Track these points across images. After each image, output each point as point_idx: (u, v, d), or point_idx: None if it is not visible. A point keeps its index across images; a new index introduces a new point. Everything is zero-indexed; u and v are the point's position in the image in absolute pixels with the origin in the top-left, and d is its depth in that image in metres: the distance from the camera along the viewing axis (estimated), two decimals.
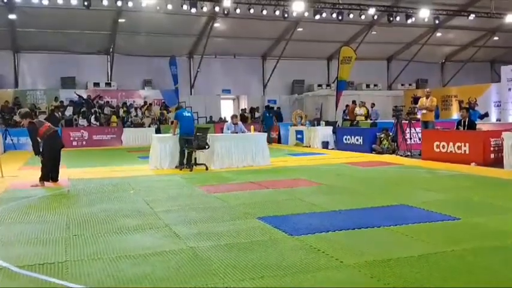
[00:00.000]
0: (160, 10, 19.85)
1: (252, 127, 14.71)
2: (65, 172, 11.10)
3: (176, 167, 12.22)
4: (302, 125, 20.71)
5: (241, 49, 27.34)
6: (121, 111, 24.39)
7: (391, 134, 15.49)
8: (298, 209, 6.95)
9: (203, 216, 6.56)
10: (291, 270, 4.27)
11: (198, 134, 11.91)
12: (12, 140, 19.70)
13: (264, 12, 20.44)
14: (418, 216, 6.28)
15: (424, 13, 22.02)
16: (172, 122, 15.25)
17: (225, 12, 19.96)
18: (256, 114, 26.92)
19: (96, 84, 25.41)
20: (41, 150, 9.81)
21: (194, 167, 12.00)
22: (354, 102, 23.41)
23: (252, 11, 20.13)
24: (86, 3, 17.88)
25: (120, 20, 22.54)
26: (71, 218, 6.65)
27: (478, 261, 4.48)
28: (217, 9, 20.41)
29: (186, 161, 12.22)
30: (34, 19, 21.22)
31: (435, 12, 22.63)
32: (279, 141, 22.35)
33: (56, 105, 23.18)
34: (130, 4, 18.94)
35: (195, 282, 4.04)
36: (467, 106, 18.45)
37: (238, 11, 20.14)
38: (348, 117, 23.19)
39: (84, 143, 21.88)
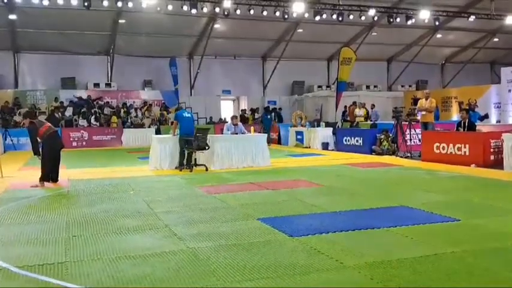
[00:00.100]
0: (161, 11, 19.85)
1: (252, 128, 14.72)
2: (65, 172, 11.10)
3: (176, 168, 12.22)
4: (302, 126, 20.71)
5: (242, 50, 27.35)
6: (121, 112, 24.39)
7: (391, 135, 15.48)
8: (298, 210, 6.95)
9: (203, 217, 6.56)
10: (290, 271, 4.27)
11: (198, 134, 11.91)
12: (12, 140, 19.70)
13: (264, 13, 20.45)
14: (418, 218, 6.28)
15: (424, 14, 22.02)
16: (172, 123, 15.25)
17: (225, 13, 19.98)
18: (256, 115, 26.92)
19: (96, 85, 25.42)
20: (40, 150, 9.82)
21: (194, 167, 12.00)
22: (354, 103, 23.42)
23: (252, 12, 20.13)
24: (86, 4, 17.89)
25: (120, 21, 22.56)
26: (70, 218, 6.65)
27: (478, 262, 4.47)
28: (217, 10, 20.41)
29: (186, 162, 12.21)
30: (34, 19, 21.23)
31: (435, 14, 22.64)
32: (279, 142, 22.35)
33: (56, 105, 23.19)
34: (130, 5, 18.94)
35: (194, 283, 4.04)
36: (467, 107, 18.50)
37: (238, 12, 20.14)
38: (348, 119, 23.19)
39: (84, 143, 21.89)
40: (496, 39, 28.71)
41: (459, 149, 12.38)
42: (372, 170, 11.80)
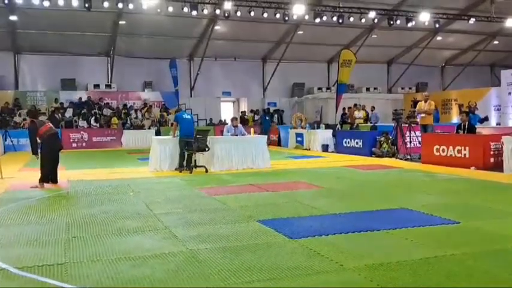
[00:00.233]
0: (161, 12, 19.86)
1: (252, 130, 14.72)
2: (65, 174, 11.10)
3: (176, 169, 12.21)
4: (302, 127, 20.72)
5: (242, 52, 27.36)
6: (122, 113, 24.41)
7: (391, 137, 15.49)
8: (298, 212, 6.95)
9: (203, 218, 6.56)
10: (290, 273, 4.27)
11: (198, 136, 11.91)
12: (12, 141, 19.69)
13: (265, 15, 20.47)
14: (418, 220, 6.27)
15: (425, 17, 22.05)
16: (172, 124, 15.26)
17: (226, 14, 20.00)
18: (256, 117, 26.94)
19: (96, 86, 25.43)
20: (39, 150, 9.82)
21: (194, 169, 11.99)
22: (355, 105, 23.45)
23: (252, 13, 20.14)
24: (86, 5, 17.90)
25: (120, 22, 22.57)
26: (70, 219, 6.64)
27: (478, 265, 4.47)
28: (217, 11, 20.43)
29: (185, 163, 12.21)
30: (35, 20, 21.26)
31: (435, 16, 22.66)
32: (279, 143, 22.35)
33: (56, 106, 23.19)
34: (131, 6, 18.97)
35: (194, 285, 4.04)
36: (467, 110, 18.50)
37: (238, 13, 20.15)
38: (348, 120, 23.19)
39: (84, 144, 21.89)
40: (496, 42, 28.74)
41: (459, 151, 12.38)
42: (372, 172, 11.80)
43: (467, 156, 12.15)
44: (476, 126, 14.28)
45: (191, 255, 4.83)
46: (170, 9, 19.37)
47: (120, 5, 18.64)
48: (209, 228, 5.96)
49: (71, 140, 21.60)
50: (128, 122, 23.89)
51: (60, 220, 6.61)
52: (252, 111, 27.45)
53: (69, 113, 23.26)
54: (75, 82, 25.27)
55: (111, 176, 11.37)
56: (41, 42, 23.57)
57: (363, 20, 22.03)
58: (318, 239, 5.37)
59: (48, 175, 9.84)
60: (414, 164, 13.26)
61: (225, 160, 12.52)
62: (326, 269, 4.39)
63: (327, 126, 20.26)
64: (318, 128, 19.91)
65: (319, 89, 29.03)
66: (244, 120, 25.05)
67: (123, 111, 24.61)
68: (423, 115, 14.94)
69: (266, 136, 14.95)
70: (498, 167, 11.37)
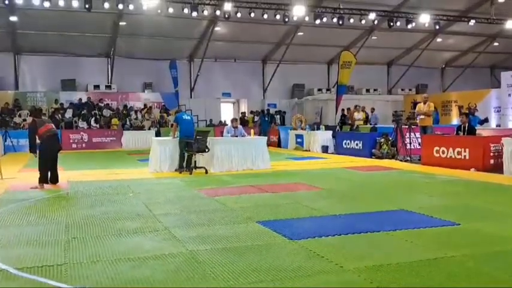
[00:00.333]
0: (161, 13, 19.86)
1: (252, 131, 14.72)
2: (65, 174, 11.09)
3: (176, 170, 12.21)
4: (302, 129, 20.72)
5: (242, 53, 27.36)
6: (126, 114, 24.46)
7: (390, 138, 15.49)
8: (298, 213, 6.95)
9: (202, 219, 6.55)
10: (290, 274, 4.27)
11: (198, 137, 11.90)
12: (12, 142, 19.66)
13: (265, 16, 20.49)
14: (417, 221, 6.27)
15: (425, 18, 22.07)
16: (172, 125, 15.27)
17: (226, 16, 20.01)
18: (256, 118, 26.94)
19: (97, 87, 25.42)
20: (38, 150, 9.84)
21: (194, 170, 11.99)
22: (356, 107, 23.47)
23: (252, 15, 20.14)
24: (87, 6, 17.91)
25: (121, 23, 22.57)
26: (70, 220, 6.64)
27: (478, 266, 4.47)
28: (218, 13, 20.44)
29: (185, 164, 12.21)
30: (35, 21, 21.25)
31: (435, 18, 22.68)
32: (278, 145, 22.35)
33: (56, 107, 23.18)
34: (131, 7, 18.98)
35: (194, 286, 4.04)
36: (467, 111, 18.48)
37: (239, 14, 20.16)
38: (349, 122, 23.18)
39: (83, 145, 21.88)
40: (496, 44, 28.74)
41: (459, 153, 12.38)
42: (372, 174, 11.80)
43: (467, 157, 12.15)
44: (476, 127, 14.28)
45: (191, 256, 4.83)
46: (170, 10, 19.39)
47: (120, 6, 18.63)
48: (209, 229, 5.96)
49: (71, 141, 21.59)
50: (127, 122, 23.89)
51: (60, 221, 6.60)
52: (252, 112, 27.47)
53: (69, 113, 23.25)
54: (75, 83, 25.25)
55: (111, 177, 11.37)
56: (41, 42, 23.57)
57: (363, 22, 22.04)
58: (318, 240, 5.37)
59: (47, 175, 9.84)
60: (414, 166, 13.26)
61: (225, 161, 12.52)
62: (326, 270, 4.39)
63: (327, 128, 20.26)
64: (318, 129, 19.91)
65: (319, 90, 29.03)
66: (244, 122, 25.06)
67: (124, 112, 24.62)
68: (422, 117, 14.95)
69: (266, 137, 14.96)
70: (498, 168, 11.37)
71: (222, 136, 13.70)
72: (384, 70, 31.43)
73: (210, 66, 27.17)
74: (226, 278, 4.18)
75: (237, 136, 13.29)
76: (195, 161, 12.19)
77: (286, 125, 25.31)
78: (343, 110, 23.92)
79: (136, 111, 24.93)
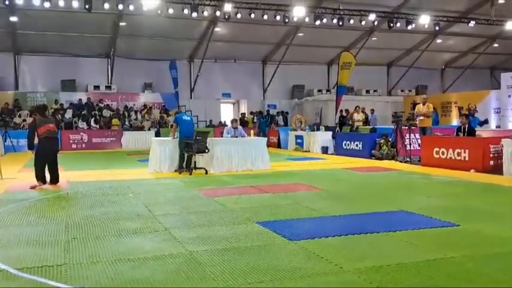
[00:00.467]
0: (161, 14, 19.87)
1: (252, 131, 14.73)
2: (65, 175, 11.09)
3: (176, 171, 12.21)
4: (302, 129, 20.73)
5: (242, 53, 27.38)
6: (126, 114, 24.47)
7: (390, 139, 15.50)
8: (298, 213, 6.95)
9: (202, 220, 6.55)
10: (289, 275, 4.27)
11: (197, 137, 11.90)
12: (12, 142, 19.67)
13: (265, 17, 20.51)
14: (417, 222, 6.28)
15: (425, 19, 22.08)
16: (172, 126, 15.28)
17: (226, 16, 20.01)
18: (255, 119, 26.96)
19: (96, 87, 25.45)
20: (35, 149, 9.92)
21: (194, 170, 11.99)
22: (357, 108, 23.49)
23: (252, 15, 20.16)
24: (87, 6, 17.91)
25: (121, 23, 22.58)
26: (70, 220, 6.64)
27: (478, 267, 4.48)
28: (218, 13, 20.46)
29: (185, 165, 12.21)
30: (35, 21, 21.27)
31: (435, 19, 22.69)
32: (278, 145, 22.36)
33: (56, 107, 23.18)
34: (131, 8, 18.98)
35: (193, 286, 4.04)
36: (466, 113, 18.50)
37: (239, 15, 20.17)
38: (349, 122, 23.17)
39: (83, 145, 21.88)
40: (496, 45, 28.77)
41: (459, 154, 12.38)
42: (372, 175, 11.80)
43: (467, 158, 12.16)
44: (476, 129, 14.29)
45: (191, 257, 4.83)
46: (170, 10, 19.40)
47: (120, 7, 18.64)
48: (209, 230, 5.96)
49: (71, 141, 21.60)
50: (126, 123, 23.89)
51: (60, 221, 6.60)
52: (251, 113, 27.48)
53: (68, 114, 23.26)
54: (75, 83, 25.28)
55: (110, 177, 11.36)
56: (41, 43, 23.59)
57: (363, 23, 22.05)
58: (318, 241, 5.37)
59: (42, 174, 9.84)
60: (414, 167, 13.26)
61: (224, 162, 12.52)
62: (325, 271, 4.39)
63: (327, 128, 20.26)
64: (318, 130, 19.92)
65: (319, 91, 29.06)
66: (244, 122, 25.07)
67: (124, 112, 24.63)
68: (422, 118, 14.97)
69: (266, 138, 14.96)
70: (498, 169, 11.37)
71: (222, 137, 13.71)
72: (383, 71, 31.46)
73: (210, 67, 27.19)
74: (226, 279, 4.18)
75: (237, 137, 13.29)
76: (195, 162, 12.19)
77: (290, 125, 25.33)
78: (341, 111, 23.92)
79: (136, 112, 24.94)
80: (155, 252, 5.01)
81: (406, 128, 15.07)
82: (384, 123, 21.91)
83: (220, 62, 27.70)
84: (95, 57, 25.65)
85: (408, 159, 14.33)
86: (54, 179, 10.03)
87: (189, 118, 13.16)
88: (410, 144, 14.81)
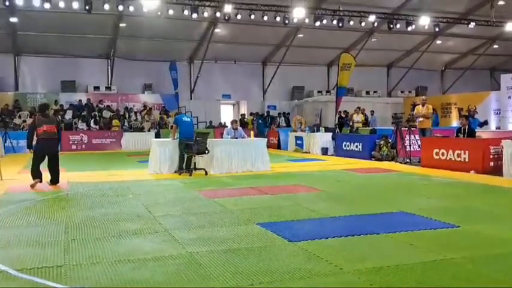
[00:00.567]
0: (162, 15, 19.88)
1: (252, 132, 14.73)
2: (65, 175, 11.08)
3: (175, 172, 12.21)
4: (302, 131, 20.72)
5: (242, 54, 27.40)
6: (126, 115, 24.48)
7: (390, 141, 15.50)
8: (298, 215, 6.95)
9: (202, 221, 6.55)
10: (289, 276, 4.27)
11: (197, 138, 11.91)
12: (11, 143, 19.66)
13: (265, 18, 20.52)
14: (417, 224, 6.28)
15: (424, 21, 22.10)
16: (172, 127, 15.28)
17: (226, 17, 20.02)
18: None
19: (96, 88, 25.48)
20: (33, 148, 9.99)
21: (193, 171, 11.99)
22: (356, 109, 23.49)
23: (253, 16, 20.18)
24: (87, 8, 17.95)
25: (121, 25, 22.59)
26: (69, 221, 6.64)
27: (478, 269, 4.48)
28: (218, 14, 20.46)
29: (185, 166, 12.21)
30: (35, 22, 21.28)
31: (435, 20, 22.72)
32: (278, 146, 22.35)
33: (56, 108, 23.18)
34: (131, 9, 19.00)
35: (193, 287, 4.04)
36: (466, 114, 18.51)
37: (239, 16, 20.19)
38: (350, 123, 23.15)
39: (83, 146, 21.89)
40: (495, 46, 28.79)
41: (459, 155, 12.38)
42: (371, 176, 11.80)
43: (466, 160, 12.16)
44: (476, 130, 14.30)
45: (191, 258, 4.83)
46: (170, 12, 19.41)
47: (120, 8, 18.69)
48: (209, 231, 5.96)
49: (71, 142, 21.60)
50: (126, 124, 23.89)
51: (60, 222, 6.60)
52: (251, 114, 27.49)
53: (68, 115, 23.27)
54: (75, 84, 25.31)
55: (110, 178, 11.37)
56: (41, 44, 23.61)
57: (363, 24, 22.06)
58: (318, 242, 5.37)
59: (37, 173, 9.86)
60: (414, 168, 13.26)
61: (224, 163, 12.51)
62: (325, 272, 4.39)
63: (327, 130, 20.25)
64: (318, 131, 19.91)
65: (319, 92, 29.08)
66: (243, 123, 25.07)
67: (125, 113, 24.63)
68: (421, 119, 14.98)
69: (266, 139, 14.96)
70: (498, 171, 11.37)
71: (222, 138, 13.70)
72: (383, 72, 31.47)
73: (210, 68, 27.21)
74: (226, 280, 4.18)
75: (236, 138, 13.29)
76: (195, 163, 12.19)
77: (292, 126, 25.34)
78: (340, 112, 23.91)
79: (136, 113, 24.95)
80: (155, 253, 5.01)
81: (406, 129, 15.08)
82: (384, 125, 21.92)
83: (220, 63, 27.72)
84: (95, 58, 25.66)
85: (408, 160, 14.34)
86: (55, 180, 10.04)
87: (189, 119, 13.17)
88: (410, 146, 14.82)
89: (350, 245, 5.29)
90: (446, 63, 31.91)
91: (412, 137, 15.05)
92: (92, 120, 23.22)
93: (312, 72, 29.49)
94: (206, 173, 12.03)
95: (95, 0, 18.06)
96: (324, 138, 19.02)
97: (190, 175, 11.81)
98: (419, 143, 14.94)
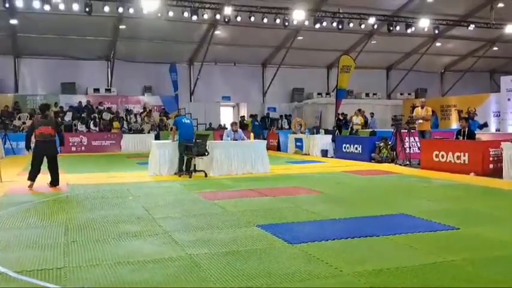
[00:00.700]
0: (161, 17, 19.89)
1: (251, 134, 14.73)
2: (64, 177, 11.08)
3: (175, 174, 12.21)
4: (301, 133, 20.73)
5: (242, 56, 27.42)
6: (127, 117, 24.48)
7: (390, 143, 15.50)
8: (298, 217, 6.94)
9: (202, 223, 6.55)
10: (289, 278, 4.27)
11: (197, 140, 11.90)
12: (11, 144, 19.65)
13: (265, 20, 20.52)
14: (417, 226, 6.27)
15: (424, 23, 22.13)
16: (171, 129, 15.28)
17: (226, 19, 20.05)
18: (255, 122, 26.96)
19: (96, 90, 25.48)
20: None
21: (193, 173, 11.98)
22: (356, 111, 23.46)
23: (252, 19, 20.20)
24: (87, 9, 17.96)
25: (121, 27, 22.61)
26: (69, 223, 6.63)
27: (478, 271, 4.47)
28: (218, 16, 20.47)
29: (185, 168, 12.21)
30: (35, 24, 21.28)
31: (435, 22, 22.75)
32: (278, 148, 22.36)
33: (56, 110, 23.17)
34: (131, 11, 19.00)
35: None
36: (466, 116, 18.52)
37: (239, 18, 20.21)
38: (350, 125, 23.14)
39: (83, 148, 21.88)
40: (495, 48, 28.82)
41: (458, 157, 12.38)
42: (371, 178, 11.80)
43: (466, 162, 12.16)
44: (475, 132, 14.30)
45: (190, 260, 4.83)
46: (170, 13, 19.42)
47: (120, 10, 18.70)
48: (208, 233, 5.96)
49: (70, 144, 21.57)
50: (125, 126, 23.88)
51: (60, 224, 6.60)
52: (251, 116, 27.49)
53: (68, 117, 23.27)
54: (75, 86, 25.31)
55: (110, 180, 11.36)
56: (41, 45, 23.62)
57: (363, 26, 22.08)
58: (318, 244, 5.37)
59: (33, 175, 9.90)
60: (413, 170, 13.26)
61: (224, 165, 12.51)
62: (325, 274, 4.39)
63: (327, 132, 20.26)
64: (318, 133, 19.93)
65: (319, 94, 29.09)
66: (243, 125, 25.07)
67: (127, 116, 24.64)
68: (421, 121, 14.98)
69: (266, 141, 14.96)
70: (497, 173, 11.37)
71: (222, 140, 13.70)
72: (383, 74, 31.50)
73: (209, 70, 27.22)
74: (226, 282, 4.18)
75: (236, 140, 13.29)
76: (195, 165, 12.18)
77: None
78: (338, 114, 23.90)
79: (135, 115, 24.95)
80: (155, 255, 5.01)
81: (406, 131, 15.09)
82: (384, 127, 21.93)
83: (220, 65, 27.73)
84: (95, 60, 25.68)
85: (408, 162, 14.34)
86: (55, 181, 10.05)
87: (188, 121, 13.18)
88: (410, 148, 14.82)
89: (350, 247, 5.29)
90: (446, 66, 31.93)
91: (411, 139, 15.06)
92: (92, 122, 23.22)
93: (312, 74, 29.51)
94: (206, 175, 12.02)
95: (95, 2, 18.09)
96: (323, 140, 19.02)
97: (190, 177, 11.81)
98: (418, 145, 14.94)
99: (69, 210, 7.64)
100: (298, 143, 20.36)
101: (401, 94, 30.42)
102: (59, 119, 22.39)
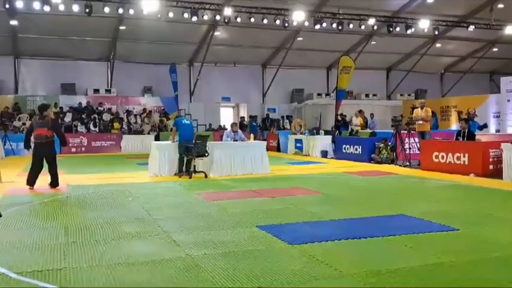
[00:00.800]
0: (162, 18, 19.91)
1: (251, 135, 14.73)
2: (64, 178, 11.09)
3: (175, 175, 12.21)
4: (301, 133, 20.74)
5: (242, 57, 27.44)
6: (127, 118, 24.48)
7: (390, 143, 15.50)
8: (298, 218, 6.94)
9: (202, 224, 6.55)
10: (289, 279, 4.26)
11: (197, 141, 11.91)
12: (11, 145, 19.65)
13: (265, 21, 20.53)
14: (417, 227, 6.27)
15: (424, 24, 22.14)
16: (171, 129, 15.28)
17: (226, 20, 20.06)
18: (253, 123, 26.96)
19: (96, 91, 25.49)
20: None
21: (193, 174, 11.98)
22: (356, 112, 23.49)
23: (252, 19, 20.21)
24: (87, 10, 17.97)
25: (121, 27, 22.63)
26: (69, 224, 6.63)
27: (477, 272, 4.47)
28: (218, 17, 20.49)
29: (185, 169, 12.21)
30: (35, 25, 21.29)
31: (435, 23, 22.76)
32: (278, 149, 22.37)
33: (56, 111, 23.16)
34: (131, 12, 19.01)
35: None
36: (466, 117, 18.52)
37: (239, 19, 20.22)
38: (351, 126, 23.19)
39: (83, 149, 21.89)
40: (495, 49, 28.84)
41: (458, 158, 12.38)
42: (371, 179, 11.80)
43: (466, 163, 12.16)
44: (475, 133, 14.31)
45: (190, 261, 4.82)
46: (170, 14, 19.44)
47: (120, 11, 18.72)
48: (208, 234, 5.96)
49: (70, 145, 21.55)
50: (124, 126, 23.87)
51: (59, 225, 6.60)
52: (250, 117, 27.50)
53: (68, 117, 23.28)
54: (75, 87, 25.32)
55: (110, 181, 11.36)
56: (41, 46, 23.63)
57: (363, 27, 22.10)
58: (317, 245, 5.37)
59: (32, 179, 9.91)
60: (413, 171, 13.26)
61: (224, 166, 12.51)
62: (325, 275, 4.39)
63: (326, 132, 20.27)
64: (317, 134, 19.93)
65: (319, 95, 29.11)
66: (243, 126, 25.08)
67: (129, 117, 24.64)
68: (420, 122, 14.99)
69: (265, 142, 14.95)
70: (497, 174, 11.37)
71: (222, 140, 13.71)
72: (383, 75, 31.51)
73: (209, 71, 27.22)
74: (225, 283, 4.17)
75: (236, 140, 13.29)
76: (195, 166, 12.19)
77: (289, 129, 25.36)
78: (337, 115, 23.90)
79: (135, 115, 24.95)
80: (155, 256, 5.01)
81: (406, 132, 15.08)
82: (384, 128, 21.93)
83: (220, 65, 27.75)
84: (95, 60, 25.70)
85: (408, 163, 14.34)
86: (54, 182, 10.05)
87: (188, 122, 13.19)
88: (409, 149, 14.82)
89: (350, 248, 5.29)
90: (446, 66, 31.94)
91: (411, 140, 15.06)
92: (92, 123, 23.23)
93: (312, 75, 29.52)
94: (206, 176, 12.02)
95: (95, 3, 18.10)
96: (323, 141, 19.03)
97: (190, 178, 11.81)
98: (418, 146, 14.95)
99: (69, 211, 7.65)
100: (298, 144, 20.37)
101: (401, 95, 30.42)
102: (59, 119, 22.43)
